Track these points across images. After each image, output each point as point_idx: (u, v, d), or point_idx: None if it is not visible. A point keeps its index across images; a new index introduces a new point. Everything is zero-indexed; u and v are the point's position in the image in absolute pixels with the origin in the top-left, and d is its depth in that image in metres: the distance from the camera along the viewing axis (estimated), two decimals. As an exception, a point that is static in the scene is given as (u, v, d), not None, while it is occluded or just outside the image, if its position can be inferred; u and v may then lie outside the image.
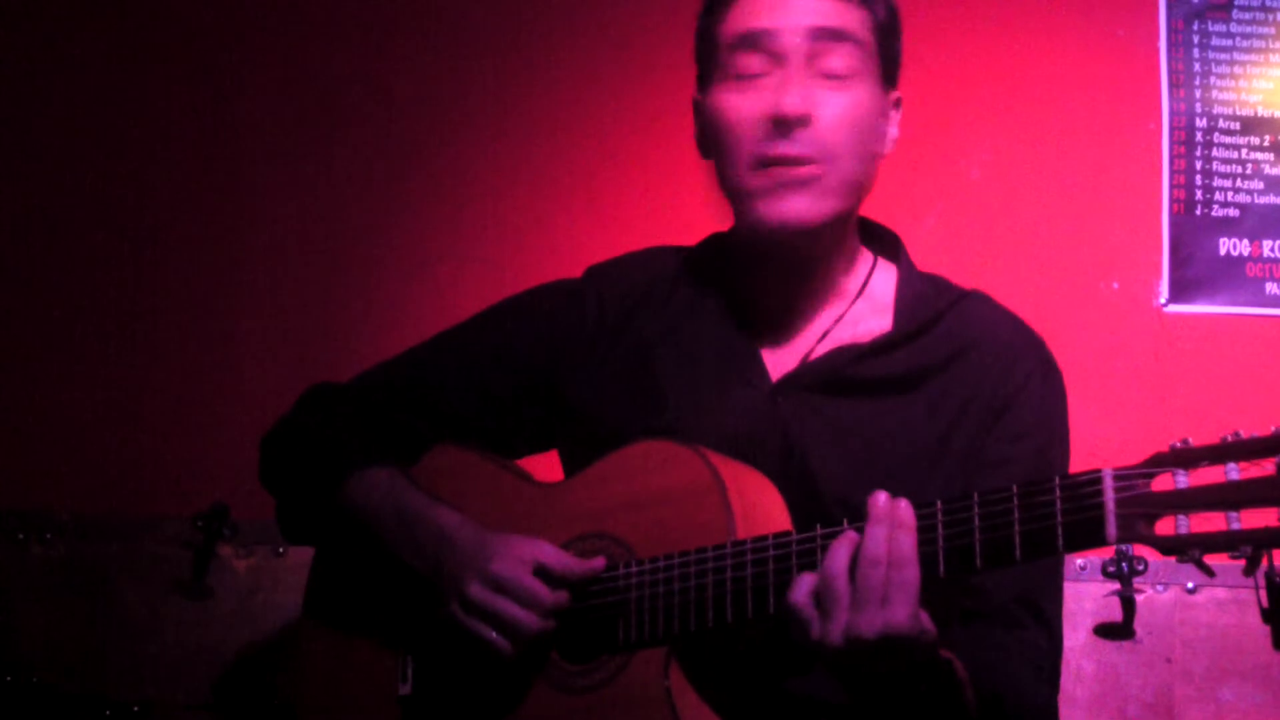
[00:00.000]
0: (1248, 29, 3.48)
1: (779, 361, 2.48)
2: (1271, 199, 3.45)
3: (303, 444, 2.61)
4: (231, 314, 3.56)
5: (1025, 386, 2.44)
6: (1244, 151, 3.46)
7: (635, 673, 2.30)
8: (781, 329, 2.50)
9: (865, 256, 2.55)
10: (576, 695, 2.34)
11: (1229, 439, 1.95)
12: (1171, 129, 3.47)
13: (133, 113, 3.60)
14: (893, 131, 2.50)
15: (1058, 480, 2.06)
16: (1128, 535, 2.00)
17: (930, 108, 3.34)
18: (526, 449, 2.65)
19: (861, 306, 2.51)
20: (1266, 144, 3.45)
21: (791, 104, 2.37)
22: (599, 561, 2.35)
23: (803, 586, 2.14)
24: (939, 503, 2.13)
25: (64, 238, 3.58)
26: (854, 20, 2.43)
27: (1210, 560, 1.99)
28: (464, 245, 3.56)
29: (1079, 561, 3.24)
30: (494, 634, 2.34)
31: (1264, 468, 1.92)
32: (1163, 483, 1.99)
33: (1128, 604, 3.26)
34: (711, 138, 2.47)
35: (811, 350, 2.47)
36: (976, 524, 2.10)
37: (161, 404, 3.53)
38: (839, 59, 2.41)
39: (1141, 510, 1.99)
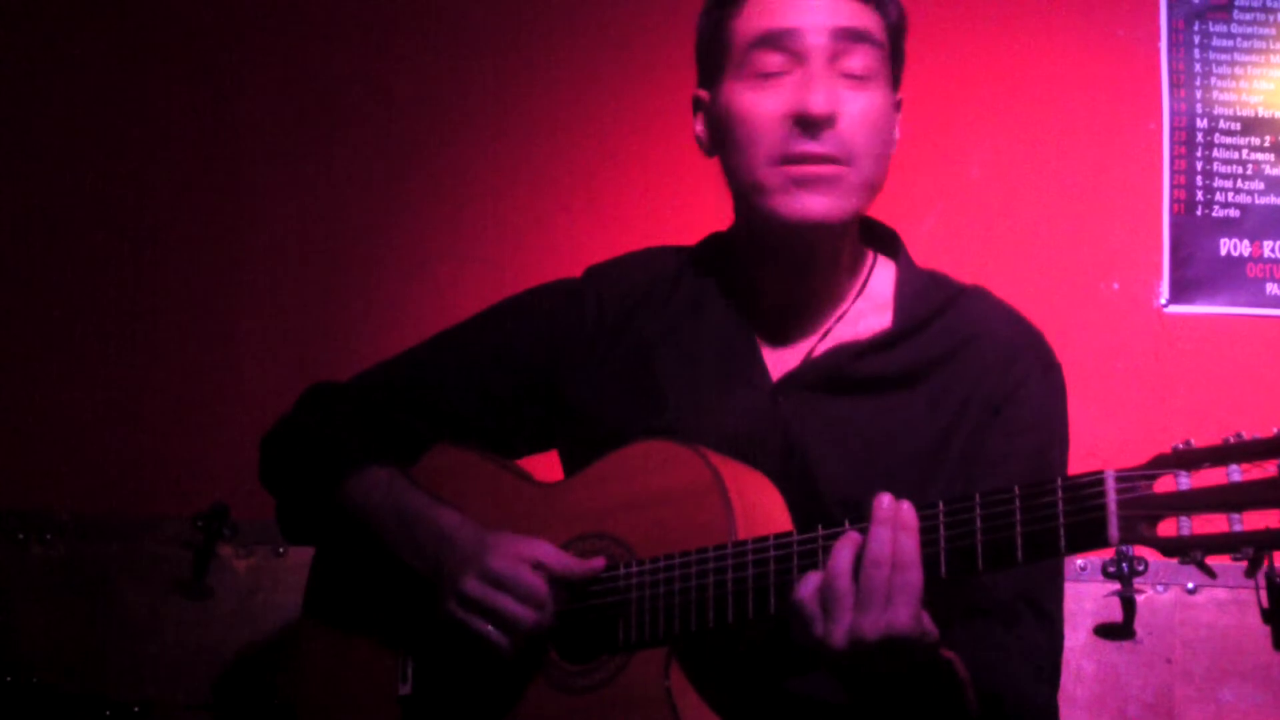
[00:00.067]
0: (1248, 29, 3.48)
1: (780, 360, 2.48)
2: (1272, 199, 3.45)
3: (302, 443, 2.61)
4: (231, 314, 3.56)
5: (1025, 382, 2.44)
6: (1245, 152, 3.46)
7: (635, 673, 2.30)
8: (783, 328, 2.50)
9: (865, 254, 2.55)
10: (576, 695, 2.34)
11: (1231, 440, 1.95)
12: (1172, 129, 3.47)
13: (133, 113, 3.60)
14: (895, 133, 2.50)
15: (1059, 481, 2.06)
16: (1130, 537, 2.00)
17: (930, 108, 3.34)
18: (526, 449, 2.65)
19: (862, 304, 2.51)
20: (1267, 144, 3.45)
21: (818, 103, 2.37)
22: (599, 561, 2.35)
23: (809, 584, 2.14)
24: (940, 504, 2.13)
25: (64, 238, 3.58)
26: (872, 22, 2.43)
27: (1210, 561, 1.99)
28: (464, 245, 3.56)
29: (1079, 562, 3.24)
30: (491, 629, 2.34)
31: (1266, 469, 1.92)
32: (1165, 484, 1.99)
33: (1128, 604, 3.26)
34: (725, 134, 2.45)
35: (814, 348, 2.47)
36: (978, 525, 2.10)
37: (161, 404, 3.53)
38: (858, 60, 2.41)
39: (1143, 512, 1.99)
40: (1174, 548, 1.97)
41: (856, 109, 2.40)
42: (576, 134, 3.56)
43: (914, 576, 2.09)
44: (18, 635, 3.41)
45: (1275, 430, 1.94)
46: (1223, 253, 3.45)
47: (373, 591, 2.54)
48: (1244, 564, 1.95)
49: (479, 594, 2.34)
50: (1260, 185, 3.45)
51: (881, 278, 2.54)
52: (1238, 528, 1.93)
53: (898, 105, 2.51)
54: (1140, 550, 3.17)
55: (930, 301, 2.49)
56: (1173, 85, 3.48)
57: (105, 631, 3.42)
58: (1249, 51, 3.48)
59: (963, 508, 2.11)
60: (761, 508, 2.32)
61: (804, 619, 2.13)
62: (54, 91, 3.60)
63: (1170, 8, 3.49)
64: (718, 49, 2.47)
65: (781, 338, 2.50)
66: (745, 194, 2.44)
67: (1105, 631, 3.29)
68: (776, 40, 2.40)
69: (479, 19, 3.60)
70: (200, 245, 3.57)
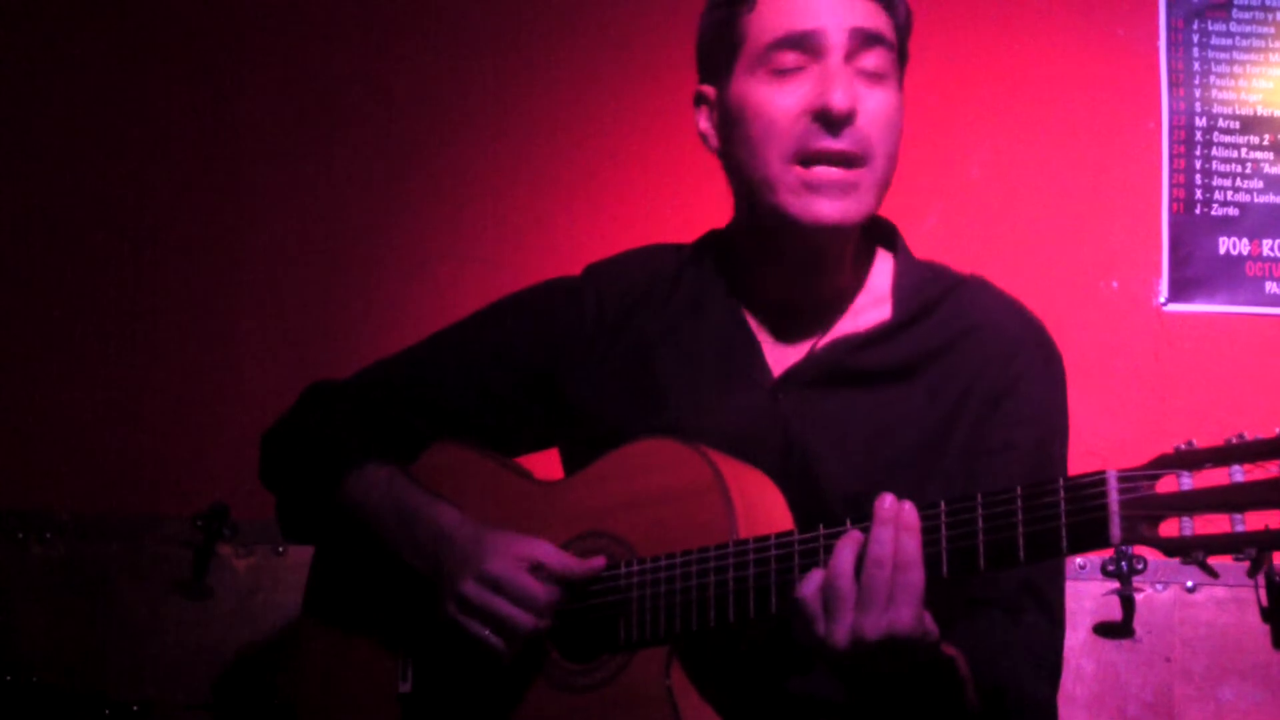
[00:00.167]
0: (1247, 28, 3.48)
1: (782, 357, 2.48)
2: (1271, 198, 3.45)
3: (302, 441, 2.61)
4: (231, 314, 3.56)
5: (1026, 374, 2.44)
6: (1243, 151, 3.46)
7: (636, 672, 2.30)
8: (784, 324, 2.50)
9: (867, 250, 2.55)
10: (577, 694, 2.34)
11: (1233, 441, 1.95)
12: (1171, 128, 3.47)
13: (133, 113, 3.60)
14: (900, 132, 2.51)
15: (1061, 482, 2.06)
16: (1132, 537, 2.00)
17: (930, 108, 3.34)
18: (526, 447, 2.65)
19: (862, 298, 2.51)
20: (1266, 143, 3.46)
21: (839, 100, 2.36)
22: (598, 561, 2.35)
23: (811, 583, 2.14)
24: (942, 504, 2.13)
25: (64, 238, 3.58)
26: (885, 23, 2.43)
27: (1210, 560, 1.99)
28: (464, 245, 3.56)
29: (1078, 560, 3.24)
30: (489, 633, 2.34)
31: (1268, 470, 1.92)
32: (1167, 484, 1.99)
33: (1127, 603, 3.26)
34: (736, 129, 2.44)
35: (816, 343, 2.47)
36: (980, 525, 2.10)
37: (161, 404, 3.53)
38: (873, 59, 2.41)
39: (1145, 512, 1.99)
40: (1176, 548, 1.98)
41: (874, 106, 2.40)
42: (576, 134, 3.56)
43: (916, 576, 2.09)
44: (18, 635, 3.41)
45: (1277, 431, 1.94)
46: (1222, 251, 3.45)
47: (372, 590, 2.54)
48: (1245, 564, 1.96)
49: (477, 597, 2.34)
50: (1259, 184, 3.45)
51: (881, 270, 2.54)
52: (1240, 528, 1.94)
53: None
54: (1140, 549, 3.17)
55: (929, 293, 2.49)
56: (1172, 84, 3.48)
57: (105, 631, 3.42)
58: (1248, 50, 3.49)
59: (964, 508, 2.11)
60: (762, 506, 2.32)
61: (806, 618, 2.13)
62: (54, 91, 3.60)
63: (1169, 7, 3.49)
64: (727, 44, 2.46)
65: (784, 335, 2.50)
66: (753, 190, 2.43)
67: (1104, 630, 3.29)
68: (798, 41, 2.40)
69: (479, 19, 3.60)
70: (200, 245, 3.57)
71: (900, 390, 2.43)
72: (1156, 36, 3.49)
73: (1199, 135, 3.46)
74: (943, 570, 2.11)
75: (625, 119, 3.55)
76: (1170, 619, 3.28)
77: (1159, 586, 3.28)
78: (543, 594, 2.33)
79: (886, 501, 2.13)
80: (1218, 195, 3.46)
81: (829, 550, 2.15)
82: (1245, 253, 3.44)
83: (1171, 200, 3.46)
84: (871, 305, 2.50)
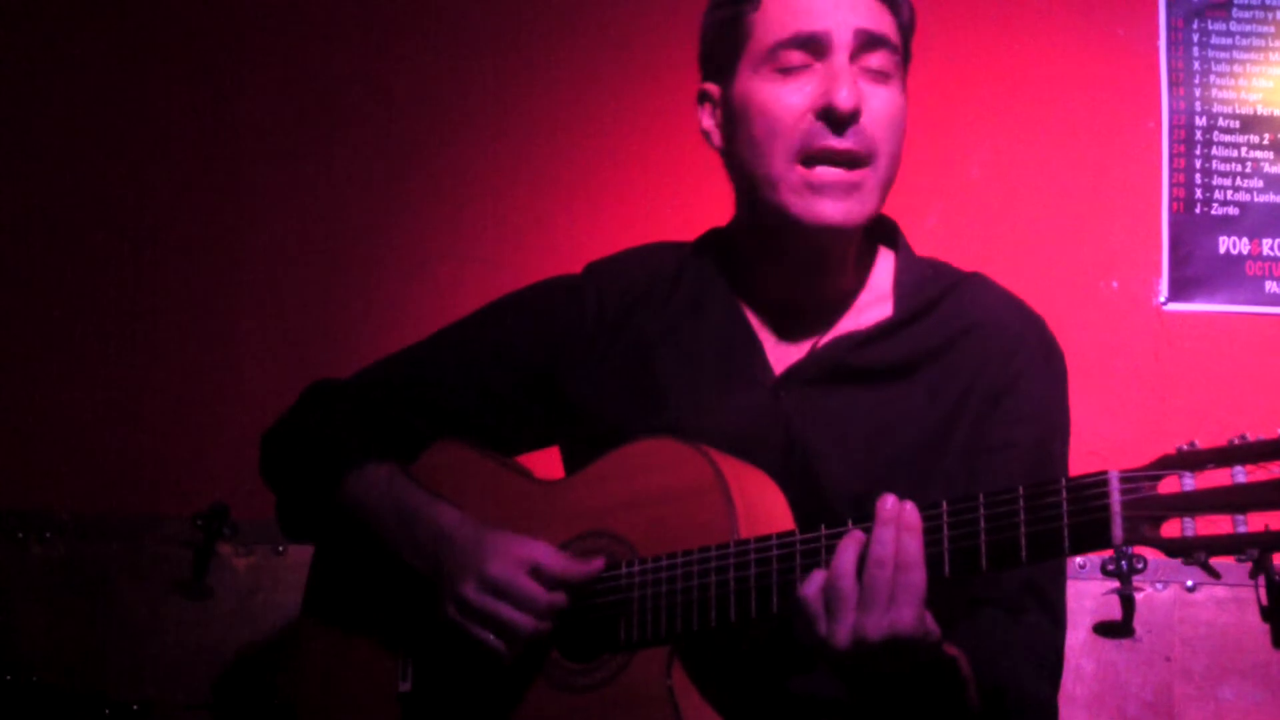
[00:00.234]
0: (1247, 28, 3.48)
1: (783, 355, 2.48)
2: (1271, 197, 3.45)
3: (302, 441, 2.61)
4: (231, 314, 3.56)
5: (1026, 372, 2.44)
6: (1243, 150, 3.46)
7: (637, 672, 2.30)
8: (786, 323, 2.50)
9: (867, 247, 2.55)
10: (578, 694, 2.34)
11: (1235, 441, 1.95)
12: (1171, 128, 3.47)
13: (133, 113, 3.60)
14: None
15: (1063, 482, 2.06)
16: (1133, 537, 2.00)
17: (930, 107, 3.34)
18: (526, 446, 2.65)
19: (864, 296, 2.51)
20: (1266, 142, 3.46)
21: (844, 98, 2.36)
22: (598, 563, 2.35)
23: (813, 583, 2.14)
24: (944, 504, 2.13)
25: (64, 238, 3.58)
26: (890, 23, 2.44)
27: (1211, 560, 1.99)
28: (464, 245, 3.56)
29: (1078, 560, 3.24)
30: (490, 636, 2.34)
31: (1270, 470, 1.92)
32: (1169, 485, 1.99)
33: (1127, 602, 3.26)
34: (741, 127, 2.44)
35: (818, 341, 2.47)
36: (982, 525, 2.10)
37: (161, 404, 3.53)
38: (878, 59, 2.41)
39: (1147, 513, 1.99)
40: (1178, 549, 1.98)
41: (878, 105, 2.40)
42: (576, 134, 3.56)
43: (917, 577, 2.09)
44: (18, 635, 3.41)
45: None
46: (1222, 251, 3.45)
47: (372, 590, 2.54)
48: (1245, 564, 1.96)
49: (477, 601, 2.34)
50: (1259, 183, 3.45)
51: (882, 268, 2.54)
52: (1242, 529, 1.94)
53: (903, 104, 2.51)
54: (1140, 548, 3.16)
55: (930, 290, 2.49)
56: (1172, 84, 3.48)
57: (105, 631, 3.42)
58: (1248, 50, 3.49)
59: (966, 508, 2.11)
60: (763, 506, 2.32)
61: (807, 618, 2.13)
62: (54, 91, 3.60)
63: (1169, 6, 3.49)
64: (732, 43, 2.46)
65: (785, 333, 2.50)
66: (756, 188, 2.43)
67: (1104, 629, 3.29)
68: (804, 41, 2.40)
69: (479, 19, 3.60)
70: (200, 245, 3.57)
71: (901, 388, 2.43)
72: (1156, 36, 3.49)
73: (1199, 135, 3.46)
74: (944, 570, 2.11)
75: (625, 119, 3.55)
76: (1170, 618, 3.28)
77: (1159, 586, 3.28)
78: (543, 597, 2.33)
79: (888, 502, 2.13)
80: (1218, 195, 3.46)
81: (831, 550, 2.15)
82: (1245, 252, 3.44)
83: (1171, 200, 3.46)
84: (873, 303, 2.50)
